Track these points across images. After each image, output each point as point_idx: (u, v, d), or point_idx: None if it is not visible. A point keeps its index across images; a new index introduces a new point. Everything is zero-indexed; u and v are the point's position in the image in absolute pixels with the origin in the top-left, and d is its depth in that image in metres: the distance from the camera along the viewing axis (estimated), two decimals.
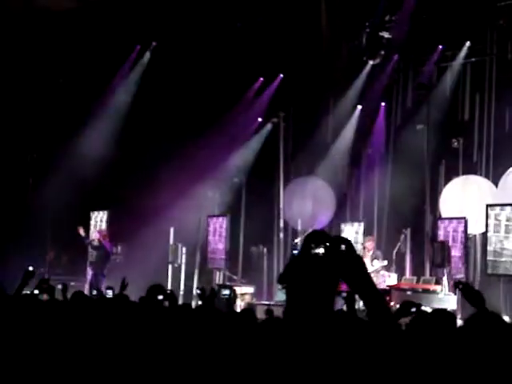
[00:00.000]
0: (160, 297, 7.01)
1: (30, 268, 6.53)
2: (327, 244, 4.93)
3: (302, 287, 6.06)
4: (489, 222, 12.40)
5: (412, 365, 3.47)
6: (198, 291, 7.46)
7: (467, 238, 13.04)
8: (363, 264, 3.12)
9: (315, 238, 6.00)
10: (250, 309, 7.02)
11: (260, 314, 9.93)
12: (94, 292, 9.15)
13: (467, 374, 3.17)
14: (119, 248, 15.83)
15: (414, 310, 4.48)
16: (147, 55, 17.12)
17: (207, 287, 8.01)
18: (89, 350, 4.53)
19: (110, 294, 8.20)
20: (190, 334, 4.53)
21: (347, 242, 3.15)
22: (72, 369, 4.39)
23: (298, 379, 3.71)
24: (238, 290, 13.61)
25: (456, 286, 4.54)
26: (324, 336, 3.95)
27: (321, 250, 5.38)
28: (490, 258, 12.37)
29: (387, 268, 13.44)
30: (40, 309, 5.44)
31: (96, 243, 14.95)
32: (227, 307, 7.44)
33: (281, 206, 15.80)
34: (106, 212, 16.56)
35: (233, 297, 7.44)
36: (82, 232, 15.29)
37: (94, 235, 15.53)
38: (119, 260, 15.74)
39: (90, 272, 15.24)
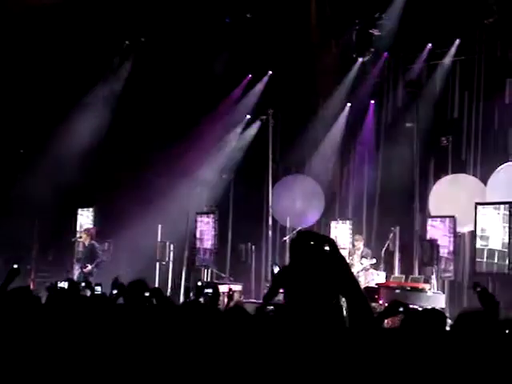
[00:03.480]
0: (146, 293, 6.95)
1: (15, 265, 6.43)
2: (311, 243, 4.88)
3: (303, 291, 5.97)
4: (478, 220, 12.40)
5: (403, 363, 3.43)
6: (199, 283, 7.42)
7: (456, 237, 13.04)
8: (346, 264, 3.09)
9: (301, 238, 5.97)
10: (241, 307, 6.93)
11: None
12: (83, 284, 9.03)
13: (459, 371, 3.14)
14: (106, 245, 15.71)
15: (401, 309, 4.44)
16: (134, 52, 17.01)
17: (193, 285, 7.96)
18: (76, 346, 4.47)
19: (98, 290, 8.14)
20: (180, 331, 4.48)
21: (331, 241, 3.12)
22: (58, 366, 4.33)
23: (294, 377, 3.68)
24: (226, 288, 13.53)
25: (474, 287, 4.48)
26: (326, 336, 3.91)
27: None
28: (478, 256, 12.37)
29: (376, 266, 13.43)
30: (24, 306, 5.38)
31: (85, 244, 14.74)
32: (211, 305, 7.40)
33: (269, 203, 15.75)
34: (92, 209, 16.44)
35: (216, 295, 7.37)
36: (86, 242, 14.76)
37: (81, 235, 15.33)
38: (106, 258, 15.61)
39: (76, 268, 15.10)
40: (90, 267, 13.82)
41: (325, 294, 5.88)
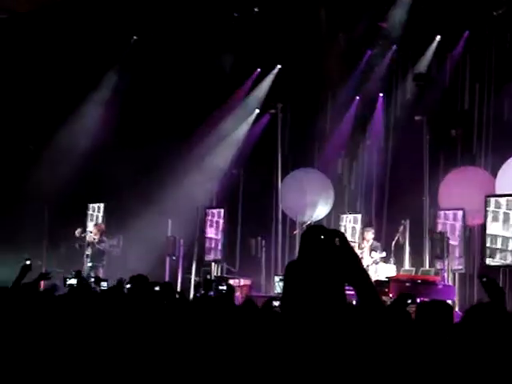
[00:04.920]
0: (157, 288, 6.97)
1: (28, 261, 6.49)
2: (321, 237, 4.85)
3: (307, 288, 5.84)
4: (488, 212, 12.34)
5: (410, 355, 3.42)
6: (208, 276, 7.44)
7: (466, 229, 12.99)
8: (357, 257, 3.09)
9: (311, 233, 5.89)
10: (251, 300, 6.93)
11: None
12: (92, 279, 9.08)
13: (466, 364, 3.13)
14: (116, 241, 15.75)
15: (409, 301, 4.43)
16: (143, 46, 16.99)
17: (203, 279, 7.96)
18: (85, 340, 4.49)
19: (104, 285, 8.16)
20: (192, 325, 4.48)
21: (341, 235, 3.12)
22: (68, 359, 4.35)
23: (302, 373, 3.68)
24: (236, 282, 13.55)
25: (480, 278, 4.45)
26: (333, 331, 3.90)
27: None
28: (488, 248, 12.32)
29: (386, 259, 13.39)
30: (38, 300, 5.44)
31: (95, 240, 14.81)
32: (226, 301, 7.43)
33: (279, 197, 15.73)
34: (102, 204, 16.48)
35: (230, 291, 7.37)
36: (97, 237, 14.94)
37: (92, 230, 15.39)
38: (116, 253, 15.65)
39: (86, 263, 15.16)
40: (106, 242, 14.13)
41: (333, 289, 5.83)
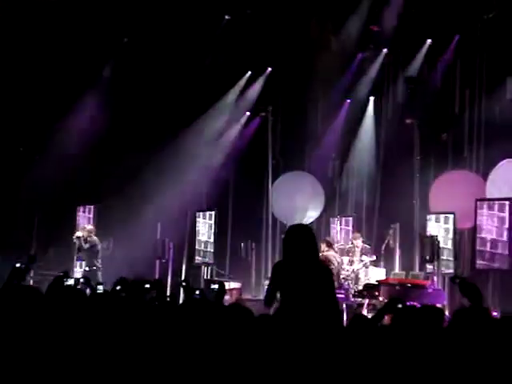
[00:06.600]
0: (147, 285, 6.90)
1: (18, 264, 6.44)
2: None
3: (301, 291, 5.79)
4: (478, 216, 12.36)
5: (400, 360, 3.41)
6: (184, 283, 7.41)
7: (456, 233, 13.00)
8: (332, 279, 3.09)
9: (295, 232, 5.94)
10: (240, 304, 6.88)
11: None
12: (82, 280, 8.97)
13: (455, 368, 3.13)
14: (106, 243, 15.68)
15: (400, 306, 4.41)
16: (133, 49, 16.94)
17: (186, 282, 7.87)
18: (77, 342, 4.45)
19: (100, 288, 8.07)
20: (181, 327, 4.46)
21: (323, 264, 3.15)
22: (59, 363, 4.31)
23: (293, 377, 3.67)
24: (226, 285, 13.50)
25: (452, 280, 4.42)
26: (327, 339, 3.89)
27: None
28: (479, 252, 12.33)
29: (376, 263, 13.39)
30: (28, 301, 5.37)
31: (82, 242, 14.71)
32: (216, 301, 7.38)
33: (269, 200, 15.71)
34: (93, 206, 16.40)
35: (222, 291, 7.31)
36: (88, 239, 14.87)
37: (79, 233, 15.28)
38: (106, 255, 15.57)
39: (80, 264, 15.07)
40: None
41: (320, 290, 5.81)
